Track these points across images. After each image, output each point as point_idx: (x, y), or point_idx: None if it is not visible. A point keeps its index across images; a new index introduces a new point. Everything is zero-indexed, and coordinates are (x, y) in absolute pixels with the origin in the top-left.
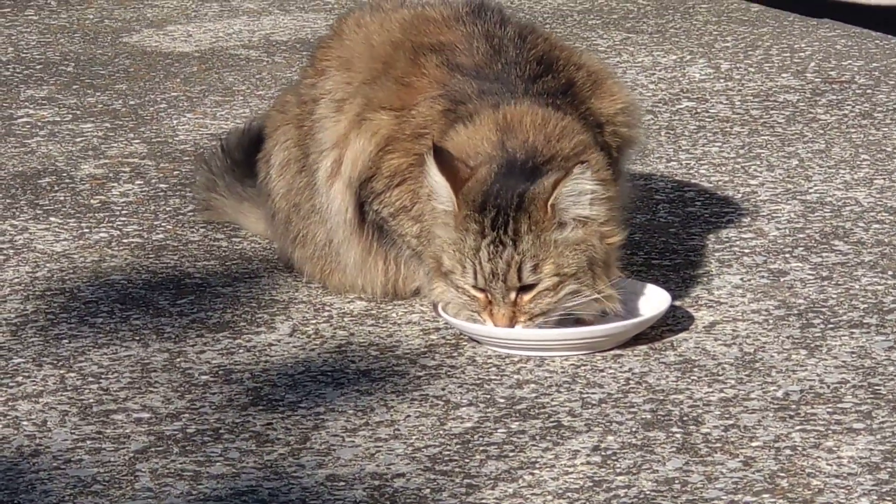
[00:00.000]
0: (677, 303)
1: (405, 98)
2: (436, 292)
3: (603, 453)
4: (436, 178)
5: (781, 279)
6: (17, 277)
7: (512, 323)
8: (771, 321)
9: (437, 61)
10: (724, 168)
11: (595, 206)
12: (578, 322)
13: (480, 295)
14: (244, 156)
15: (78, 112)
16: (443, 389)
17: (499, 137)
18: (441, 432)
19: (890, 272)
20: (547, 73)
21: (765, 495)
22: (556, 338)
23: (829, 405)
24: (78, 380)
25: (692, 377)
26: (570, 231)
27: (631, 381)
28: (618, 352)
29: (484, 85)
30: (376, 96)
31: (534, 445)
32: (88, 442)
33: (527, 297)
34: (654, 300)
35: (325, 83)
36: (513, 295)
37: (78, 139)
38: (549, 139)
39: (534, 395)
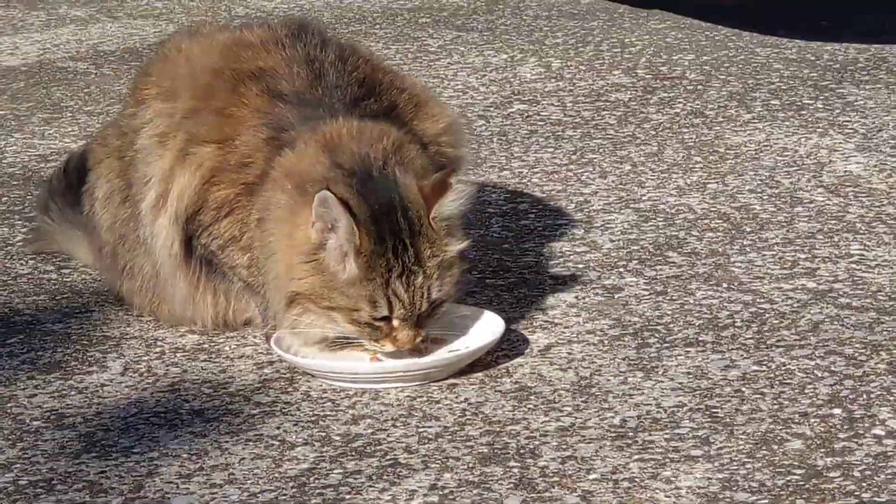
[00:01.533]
0: (512, 325)
1: (227, 130)
2: (289, 319)
3: (440, 492)
4: (337, 214)
5: (616, 296)
6: None
7: (415, 342)
8: (606, 341)
9: (257, 90)
10: (556, 176)
11: (462, 206)
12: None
13: (384, 325)
14: (80, 181)
15: None
16: (278, 428)
17: (328, 157)
18: (277, 475)
19: (724, 284)
20: (369, 97)
21: None
22: (391, 370)
23: (667, 431)
24: None
25: (529, 405)
26: (454, 237)
27: (467, 413)
28: (453, 381)
29: (305, 111)
30: (198, 131)
31: (370, 486)
32: None
33: (429, 314)
34: (488, 326)
35: (144, 112)
36: (418, 317)
37: None
38: (371, 142)
39: (370, 430)
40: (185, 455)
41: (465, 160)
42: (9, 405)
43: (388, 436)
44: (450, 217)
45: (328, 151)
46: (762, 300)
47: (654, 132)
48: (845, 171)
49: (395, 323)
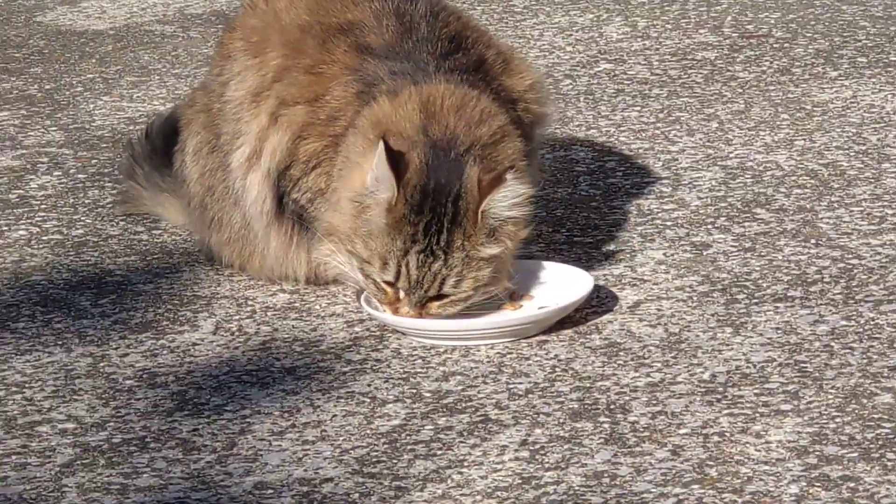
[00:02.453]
0: (601, 282)
1: (317, 89)
2: (322, 252)
3: (531, 447)
4: (382, 168)
5: (704, 252)
6: None
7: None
8: (695, 298)
9: (345, 45)
10: (643, 134)
11: (518, 208)
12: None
13: (390, 290)
14: (165, 143)
15: None
16: (369, 385)
17: (421, 120)
18: (368, 431)
19: (812, 240)
20: (458, 51)
21: (694, 486)
22: (481, 327)
23: (756, 386)
24: (1, 390)
25: (618, 362)
26: (495, 240)
27: (557, 369)
28: (543, 338)
29: (395, 65)
30: (289, 93)
31: (461, 442)
32: (14, 457)
33: (436, 303)
34: (577, 283)
35: (232, 66)
36: (424, 300)
37: None
38: (469, 124)
39: (460, 387)
40: (276, 413)
41: (550, 118)
42: (101, 364)
43: (478, 392)
44: (500, 217)
45: (425, 114)
46: (850, 255)
47: (740, 90)
48: None
49: (401, 294)
